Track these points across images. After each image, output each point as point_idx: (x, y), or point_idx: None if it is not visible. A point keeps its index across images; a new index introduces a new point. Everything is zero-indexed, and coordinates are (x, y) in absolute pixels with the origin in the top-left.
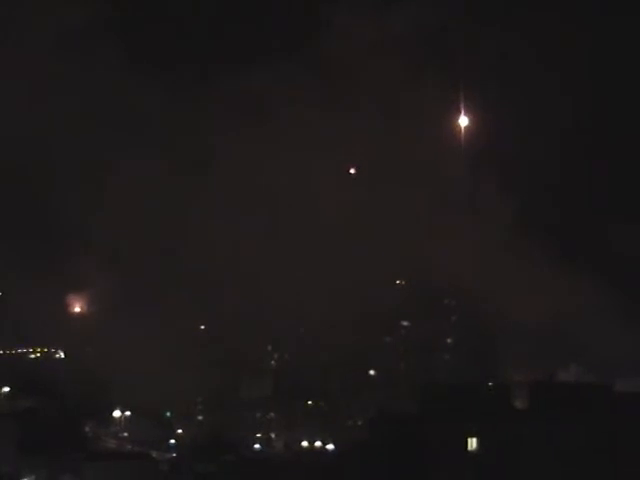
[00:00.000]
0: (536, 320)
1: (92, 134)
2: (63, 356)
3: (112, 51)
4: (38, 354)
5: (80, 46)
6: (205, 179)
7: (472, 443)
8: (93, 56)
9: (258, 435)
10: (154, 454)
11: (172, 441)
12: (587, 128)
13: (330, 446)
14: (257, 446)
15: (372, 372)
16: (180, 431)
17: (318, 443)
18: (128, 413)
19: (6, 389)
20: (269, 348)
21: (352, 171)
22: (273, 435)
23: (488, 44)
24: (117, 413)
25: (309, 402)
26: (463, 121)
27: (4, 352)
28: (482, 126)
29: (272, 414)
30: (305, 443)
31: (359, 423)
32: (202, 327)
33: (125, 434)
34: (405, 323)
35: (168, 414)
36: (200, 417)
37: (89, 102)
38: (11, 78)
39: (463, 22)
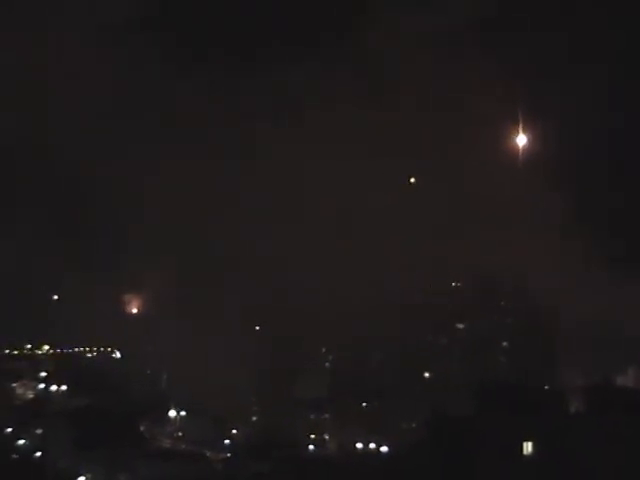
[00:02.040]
0: (594, 323)
1: (140, 135)
2: (119, 356)
3: (148, 49)
4: (95, 353)
5: (116, 43)
6: (257, 179)
7: (528, 447)
8: (129, 53)
9: (312, 436)
10: (208, 454)
11: (227, 441)
12: None
13: (384, 448)
14: (311, 447)
15: (427, 374)
16: (235, 431)
17: (372, 445)
18: (183, 413)
19: (64, 387)
20: (324, 350)
21: (412, 180)
22: (327, 436)
23: (548, 60)
24: (172, 413)
25: (363, 403)
26: (521, 140)
27: (62, 351)
28: (540, 144)
29: (326, 415)
30: (359, 444)
31: (413, 425)
32: (257, 328)
33: (180, 434)
34: (461, 325)
35: (223, 414)
36: (254, 417)
37: (132, 100)
38: (56, 79)
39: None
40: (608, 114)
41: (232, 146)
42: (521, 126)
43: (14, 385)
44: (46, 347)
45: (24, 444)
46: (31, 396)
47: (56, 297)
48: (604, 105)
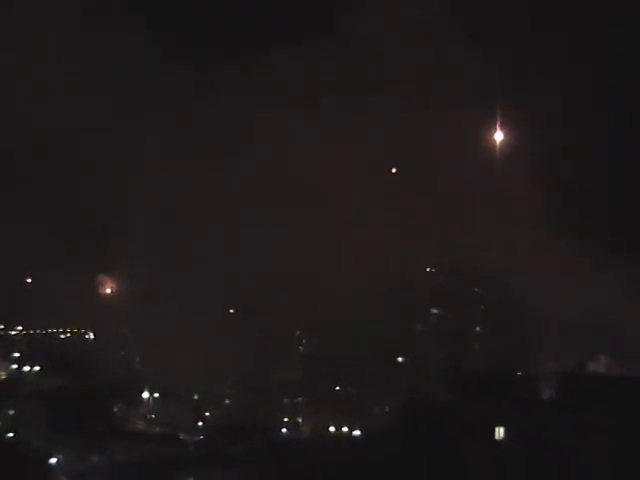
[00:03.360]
0: (566, 310)
1: (122, 118)
2: (93, 337)
3: (137, 34)
4: (68, 335)
5: (104, 28)
6: (236, 163)
7: (500, 432)
8: (118, 39)
9: (285, 419)
10: (182, 436)
11: (200, 423)
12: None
13: (357, 432)
14: (284, 430)
15: (401, 359)
16: (208, 414)
17: (345, 428)
18: (157, 395)
19: (37, 368)
20: (298, 333)
21: (394, 171)
22: (300, 420)
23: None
24: (146, 395)
25: (337, 387)
26: (498, 136)
27: (35, 332)
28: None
29: (300, 399)
30: (332, 428)
31: (387, 410)
32: (231, 311)
33: (153, 416)
34: (435, 310)
35: (196, 397)
36: (228, 400)
37: (117, 85)
38: (41, 63)
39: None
40: (584, 111)
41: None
42: (498, 123)
43: None
44: (19, 328)
45: None
46: (3, 377)
47: (29, 280)
48: (581, 103)
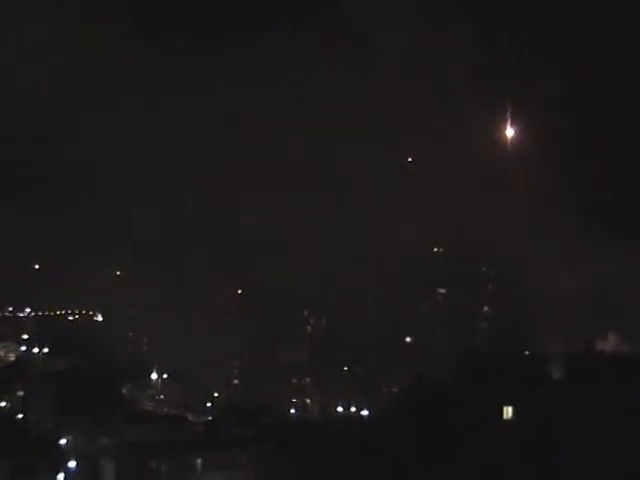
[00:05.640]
0: (574, 289)
1: (116, 108)
2: (101, 318)
3: (124, 14)
4: (77, 316)
5: (90, 12)
6: (238, 147)
7: (508, 412)
8: (105, 22)
9: (294, 400)
10: (190, 417)
11: (208, 404)
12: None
13: (365, 412)
14: (293, 411)
15: (408, 339)
16: (216, 394)
17: (353, 409)
18: (165, 376)
19: (46, 350)
20: (305, 313)
21: (409, 160)
22: (308, 400)
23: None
24: (154, 376)
25: (345, 368)
26: (509, 132)
27: (44, 314)
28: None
29: (308, 379)
30: (340, 409)
31: (394, 390)
32: (239, 291)
33: (162, 397)
34: (442, 291)
35: (205, 378)
36: (236, 381)
37: (111, 75)
38: (31, 53)
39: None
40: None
41: (217, 116)
42: (509, 119)
43: None
44: (28, 310)
45: (5, 406)
46: (13, 358)
47: (37, 266)
48: (586, 100)
